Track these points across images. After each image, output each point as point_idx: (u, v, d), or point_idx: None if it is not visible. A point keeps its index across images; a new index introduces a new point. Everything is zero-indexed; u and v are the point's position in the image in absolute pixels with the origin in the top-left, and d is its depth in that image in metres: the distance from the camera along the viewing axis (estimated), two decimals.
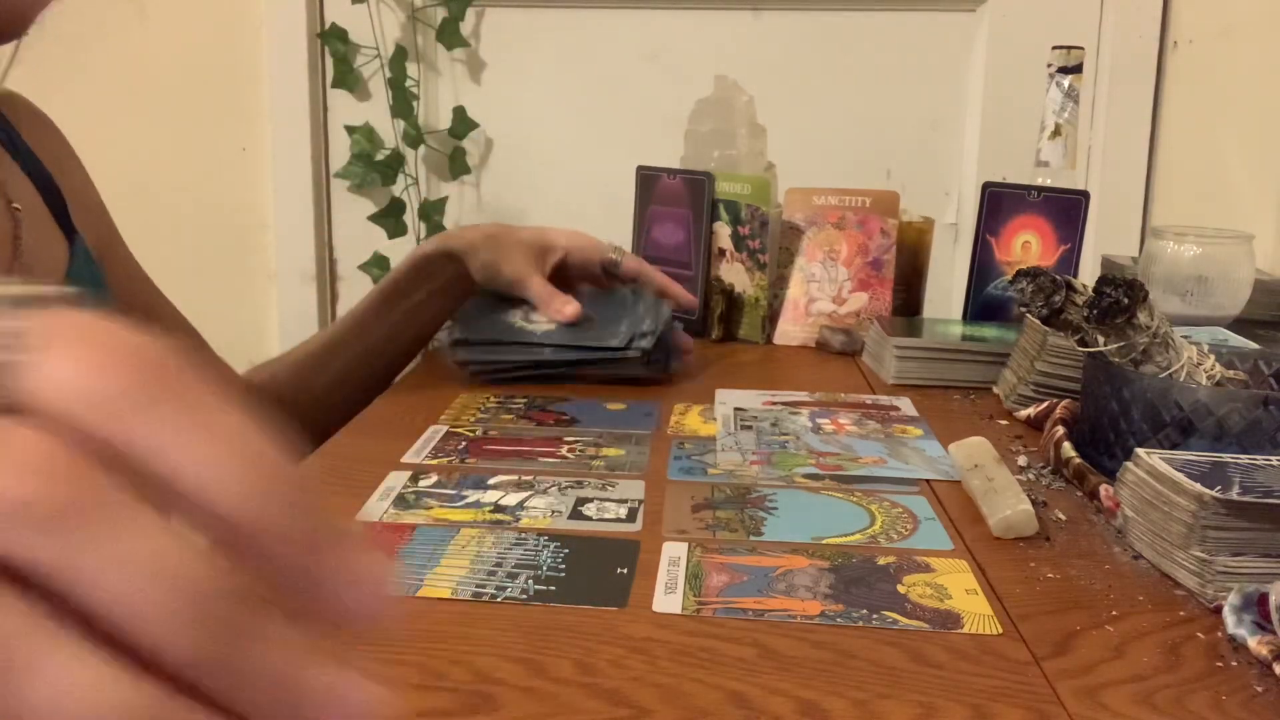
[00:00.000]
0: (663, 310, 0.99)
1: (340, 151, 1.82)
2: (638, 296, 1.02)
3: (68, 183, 0.81)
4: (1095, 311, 0.75)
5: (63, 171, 0.81)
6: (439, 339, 1.02)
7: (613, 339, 0.96)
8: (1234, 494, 0.58)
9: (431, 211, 1.78)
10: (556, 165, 1.83)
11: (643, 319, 0.97)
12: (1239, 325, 1.06)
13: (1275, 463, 0.64)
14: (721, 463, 0.78)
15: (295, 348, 1.00)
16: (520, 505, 0.68)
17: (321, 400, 0.96)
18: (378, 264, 1.80)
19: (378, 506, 0.68)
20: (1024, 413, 0.90)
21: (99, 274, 0.81)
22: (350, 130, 1.79)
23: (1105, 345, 0.75)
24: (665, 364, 0.98)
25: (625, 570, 0.59)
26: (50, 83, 1.72)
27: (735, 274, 1.20)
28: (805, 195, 1.21)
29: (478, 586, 0.57)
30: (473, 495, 0.70)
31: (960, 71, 1.76)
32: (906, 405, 0.94)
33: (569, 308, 0.95)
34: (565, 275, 1.01)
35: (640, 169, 1.29)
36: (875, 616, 0.54)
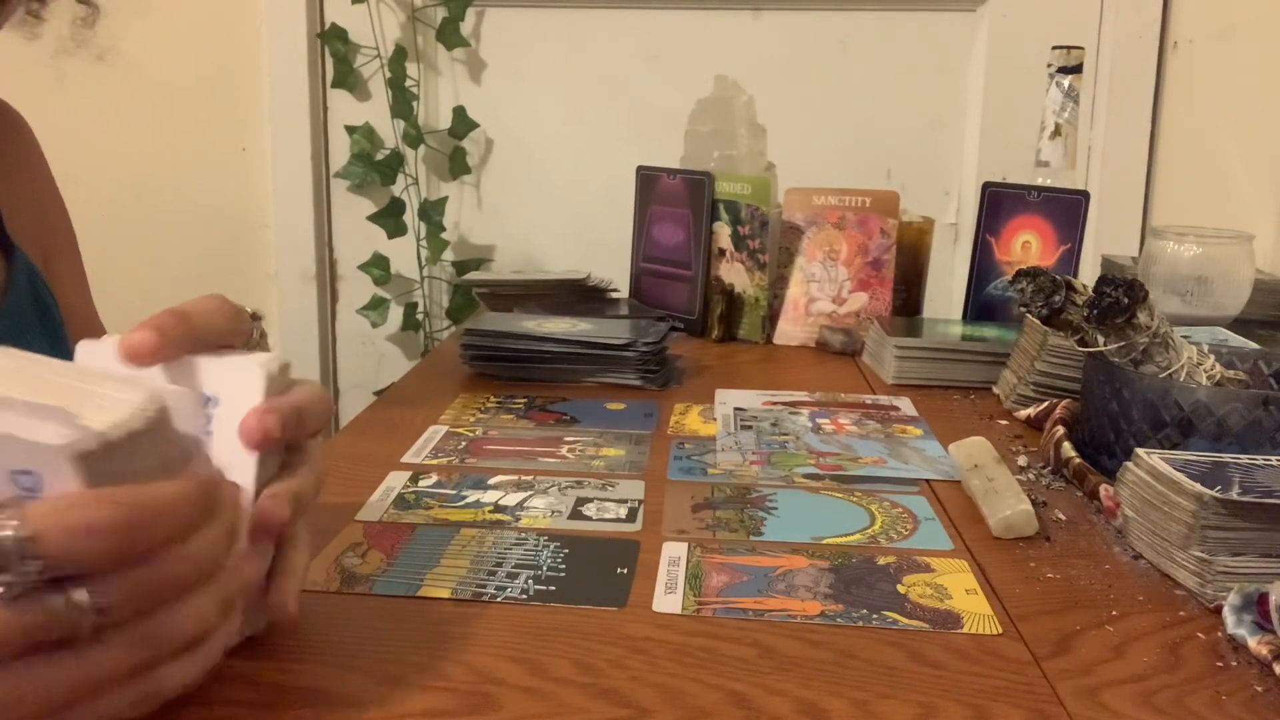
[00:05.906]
0: (661, 327, 1.04)
1: (340, 151, 1.82)
2: (637, 315, 1.07)
3: (11, 193, 0.76)
4: (1095, 311, 0.75)
5: (6, 179, 0.77)
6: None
7: (616, 338, 0.99)
8: (1234, 494, 0.58)
9: (431, 211, 1.78)
10: (556, 165, 1.82)
11: (645, 330, 1.02)
12: (1239, 325, 1.06)
13: (1275, 463, 0.64)
14: (721, 463, 0.78)
15: None
16: (520, 505, 0.68)
17: None
18: (377, 264, 1.80)
19: (378, 506, 0.68)
20: (1024, 413, 0.90)
21: (42, 287, 0.77)
22: (350, 130, 1.79)
23: (1105, 345, 0.75)
24: (663, 378, 1.00)
25: (625, 570, 0.59)
26: (51, 83, 1.72)
27: (735, 274, 1.20)
28: (805, 195, 1.21)
29: (478, 586, 0.57)
30: (473, 495, 0.70)
31: (960, 71, 1.76)
32: (906, 405, 0.94)
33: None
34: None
35: (640, 169, 1.29)
36: (875, 616, 0.54)
